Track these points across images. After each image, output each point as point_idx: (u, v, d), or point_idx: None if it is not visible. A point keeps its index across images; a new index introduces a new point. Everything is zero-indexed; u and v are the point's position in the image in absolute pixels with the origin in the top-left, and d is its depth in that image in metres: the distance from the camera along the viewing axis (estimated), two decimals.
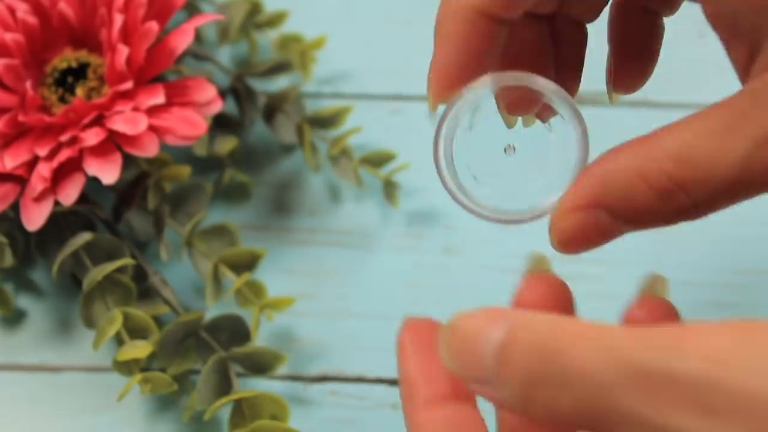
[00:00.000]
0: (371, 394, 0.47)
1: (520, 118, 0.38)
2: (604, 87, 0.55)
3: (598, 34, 0.58)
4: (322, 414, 0.46)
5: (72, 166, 0.45)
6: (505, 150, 0.36)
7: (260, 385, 0.47)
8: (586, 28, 0.36)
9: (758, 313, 0.48)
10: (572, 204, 0.34)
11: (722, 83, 0.55)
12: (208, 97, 0.46)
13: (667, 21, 0.58)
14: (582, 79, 0.55)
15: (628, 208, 0.33)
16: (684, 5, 0.57)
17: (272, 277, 0.49)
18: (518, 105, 0.37)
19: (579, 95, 0.55)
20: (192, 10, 0.55)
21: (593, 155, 0.53)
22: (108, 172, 0.44)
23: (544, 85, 0.34)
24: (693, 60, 0.56)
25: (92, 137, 0.44)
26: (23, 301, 0.50)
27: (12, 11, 0.48)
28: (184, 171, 0.49)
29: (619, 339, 0.25)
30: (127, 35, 0.46)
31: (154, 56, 0.46)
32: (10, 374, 0.48)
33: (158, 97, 0.45)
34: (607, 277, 0.48)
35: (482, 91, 0.34)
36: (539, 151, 0.36)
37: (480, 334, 0.28)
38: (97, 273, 0.45)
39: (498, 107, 0.37)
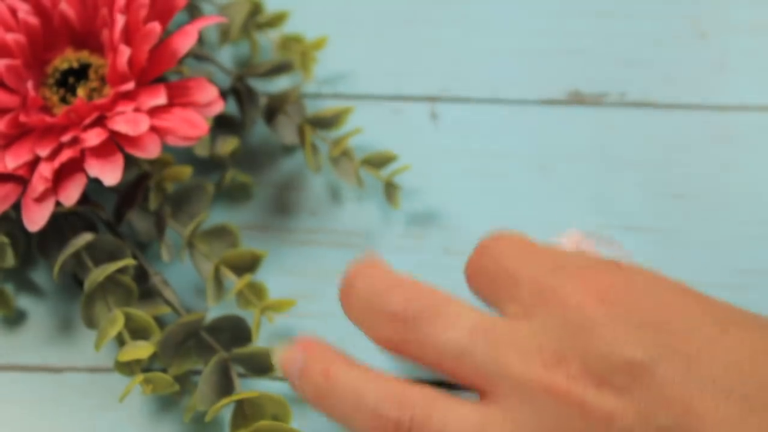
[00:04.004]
0: None
1: None
2: (608, 89, 0.55)
3: (598, 34, 0.58)
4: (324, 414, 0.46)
5: (73, 167, 0.45)
6: None
7: (262, 386, 0.47)
8: None
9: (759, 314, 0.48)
10: None
11: (724, 84, 0.56)
12: (210, 98, 0.46)
13: (670, 22, 0.58)
14: (587, 81, 0.55)
15: None
16: (682, 5, 0.57)
17: (273, 278, 0.49)
18: None
19: (580, 96, 0.55)
20: (192, 10, 0.55)
21: (597, 152, 0.54)
22: (109, 173, 0.44)
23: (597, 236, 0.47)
24: (694, 60, 0.56)
25: (93, 138, 0.44)
26: (24, 302, 0.50)
27: (13, 11, 0.48)
28: (186, 171, 0.49)
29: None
30: (128, 36, 0.46)
31: (156, 57, 0.46)
32: (11, 375, 0.48)
33: (160, 98, 0.45)
34: None
35: None
36: None
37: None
38: (98, 273, 0.45)
39: None
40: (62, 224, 0.49)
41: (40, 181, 0.45)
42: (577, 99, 0.55)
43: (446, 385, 0.45)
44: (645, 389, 0.33)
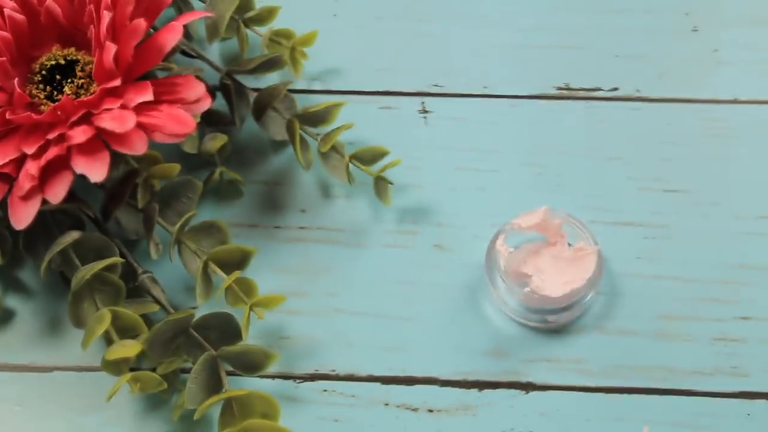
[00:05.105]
0: (362, 392, 0.47)
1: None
2: (599, 83, 0.55)
3: (589, 29, 0.58)
4: (313, 412, 0.46)
5: (60, 164, 0.44)
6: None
7: (251, 384, 0.46)
8: None
9: (757, 310, 0.48)
10: None
11: (716, 78, 0.55)
12: (197, 95, 0.46)
13: (661, 16, 0.58)
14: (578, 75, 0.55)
15: None
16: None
17: (263, 275, 0.49)
18: None
19: (571, 90, 0.55)
20: (181, 6, 0.55)
21: (588, 147, 0.53)
22: (96, 170, 0.44)
23: (567, 216, 0.49)
24: (687, 55, 0.56)
25: (80, 135, 0.44)
26: (11, 301, 0.49)
27: (0, 8, 0.47)
28: (174, 169, 0.48)
29: None
30: (115, 32, 0.46)
31: (143, 53, 0.46)
32: None
33: (147, 95, 0.45)
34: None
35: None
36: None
37: None
38: (85, 272, 0.44)
39: None
40: (49, 222, 0.48)
41: (26, 179, 0.44)
42: (568, 94, 0.55)
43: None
44: None
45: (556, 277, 0.47)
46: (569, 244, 0.48)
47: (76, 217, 0.49)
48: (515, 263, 0.47)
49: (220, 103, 0.54)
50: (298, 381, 0.47)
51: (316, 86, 0.56)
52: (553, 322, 0.47)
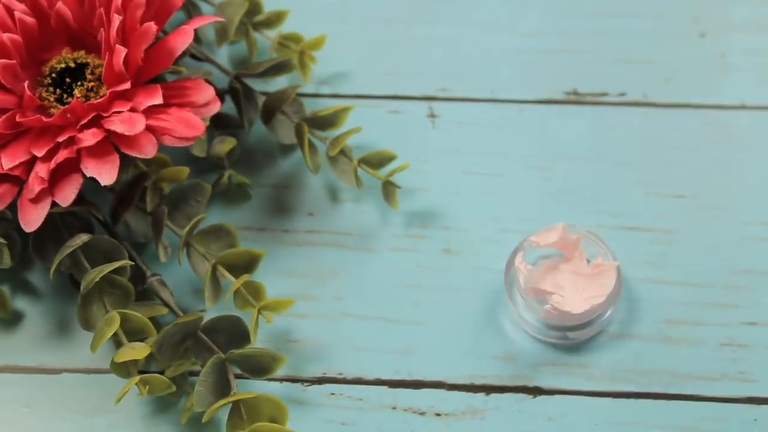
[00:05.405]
0: (370, 395, 0.47)
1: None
2: (607, 88, 0.55)
3: (597, 34, 0.58)
4: (321, 415, 0.46)
5: (70, 167, 0.45)
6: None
7: (259, 387, 0.47)
8: None
9: (760, 315, 0.48)
10: None
11: (723, 84, 0.55)
12: (207, 98, 0.46)
13: (668, 20, 0.58)
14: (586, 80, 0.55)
15: None
16: (681, 4, 0.57)
17: (271, 279, 0.49)
18: None
19: (579, 95, 0.55)
20: (190, 9, 0.55)
21: (596, 152, 0.53)
22: (105, 173, 0.44)
23: (585, 232, 0.48)
24: (694, 60, 0.56)
25: (90, 138, 0.44)
26: (20, 303, 0.49)
27: (10, 11, 0.48)
28: (183, 172, 0.49)
29: None
30: (125, 36, 0.46)
31: (153, 57, 0.46)
32: (8, 376, 0.47)
33: (156, 98, 0.45)
34: None
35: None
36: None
37: None
38: (94, 274, 0.45)
39: None
40: (59, 225, 0.48)
41: (36, 182, 0.44)
42: (575, 98, 0.55)
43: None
44: None
45: (577, 294, 0.47)
46: (587, 260, 0.48)
47: (86, 220, 0.49)
48: (534, 280, 0.47)
49: (229, 107, 0.54)
50: (305, 384, 0.47)
51: (325, 90, 0.56)
52: (574, 339, 0.47)
